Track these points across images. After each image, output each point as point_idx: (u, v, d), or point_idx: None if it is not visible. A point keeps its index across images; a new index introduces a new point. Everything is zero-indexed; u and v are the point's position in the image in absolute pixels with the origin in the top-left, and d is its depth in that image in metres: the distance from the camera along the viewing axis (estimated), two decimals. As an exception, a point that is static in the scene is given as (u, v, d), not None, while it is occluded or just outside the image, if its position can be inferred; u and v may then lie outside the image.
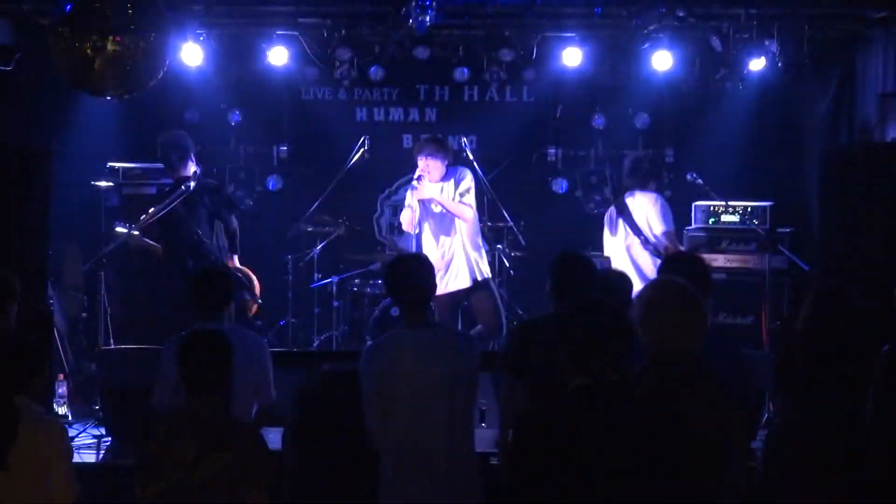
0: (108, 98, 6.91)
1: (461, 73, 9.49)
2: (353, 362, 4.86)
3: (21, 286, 5.79)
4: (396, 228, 8.79)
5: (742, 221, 8.91)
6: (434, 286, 4.81)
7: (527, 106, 10.13)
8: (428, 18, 8.49)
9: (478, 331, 8.28)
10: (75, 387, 8.17)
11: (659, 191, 8.33)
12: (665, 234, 7.97)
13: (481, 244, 8.05)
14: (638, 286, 5.67)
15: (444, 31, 9.19)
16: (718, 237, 9.09)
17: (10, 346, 4.38)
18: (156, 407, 5.02)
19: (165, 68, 6.44)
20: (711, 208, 9.09)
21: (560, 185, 9.96)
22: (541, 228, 9.66)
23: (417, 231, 8.00)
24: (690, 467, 3.42)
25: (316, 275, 9.29)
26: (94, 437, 7.09)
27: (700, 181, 8.49)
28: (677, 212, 8.87)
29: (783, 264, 8.69)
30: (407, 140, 9.94)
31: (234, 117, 9.80)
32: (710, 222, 9.11)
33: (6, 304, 5.48)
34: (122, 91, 6.34)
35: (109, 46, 6.00)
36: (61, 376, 7.88)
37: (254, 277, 8.03)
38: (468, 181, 7.82)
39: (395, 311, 8.75)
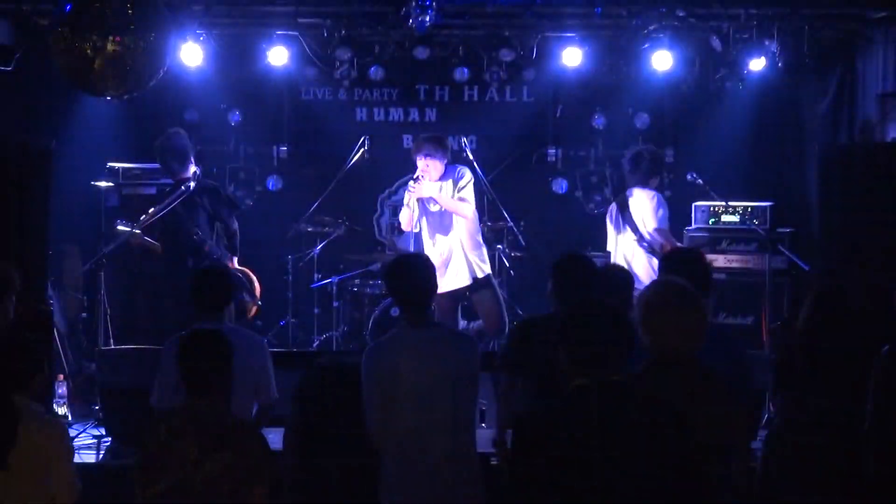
0: (108, 98, 6.90)
1: (461, 73, 9.49)
2: (352, 356, 4.88)
3: (21, 284, 5.79)
4: (396, 229, 8.79)
5: (742, 221, 8.90)
6: (435, 286, 4.81)
7: (527, 106, 10.14)
8: (428, 18, 8.48)
9: (478, 325, 8.28)
10: (75, 387, 8.17)
11: (660, 188, 8.30)
12: (656, 230, 7.92)
13: (481, 242, 8.04)
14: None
15: (444, 31, 9.18)
16: (718, 237, 9.09)
17: (9, 345, 4.39)
18: (156, 407, 5.02)
19: (165, 68, 6.44)
20: (711, 208, 9.09)
21: (560, 185, 9.96)
22: (541, 228, 9.66)
23: (417, 230, 7.99)
24: (691, 468, 3.41)
25: (316, 275, 9.29)
26: (94, 437, 7.09)
27: (700, 181, 8.49)
28: (677, 212, 8.88)
29: (783, 264, 8.69)
30: (407, 140, 9.94)
31: (234, 117, 9.80)
32: (710, 222, 9.11)
33: (4, 297, 5.47)
34: (122, 91, 6.34)
35: (109, 46, 6.00)
36: (61, 376, 7.88)
37: (254, 279, 8.03)
38: (467, 179, 7.81)
39: (395, 311, 8.77)
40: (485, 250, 8.06)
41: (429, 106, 10.25)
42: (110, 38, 5.99)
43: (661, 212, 7.97)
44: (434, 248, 7.81)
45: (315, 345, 9.08)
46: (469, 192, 7.80)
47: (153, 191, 8.85)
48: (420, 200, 7.87)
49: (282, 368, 5.38)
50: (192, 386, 3.98)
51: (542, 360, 4.78)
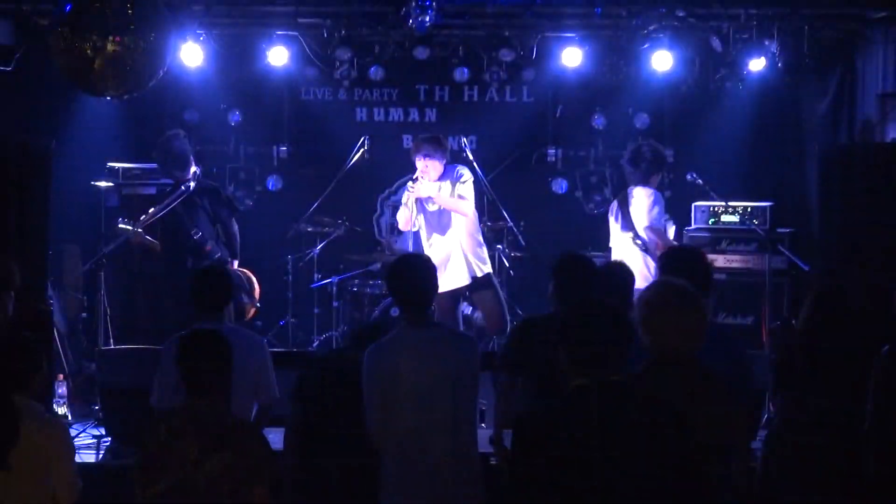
0: (108, 98, 6.90)
1: (461, 73, 9.48)
2: (350, 350, 4.89)
3: (21, 279, 5.78)
4: (396, 229, 8.78)
5: (742, 221, 8.90)
6: (435, 287, 4.82)
7: (527, 106, 10.13)
8: (428, 18, 8.48)
9: (478, 317, 8.26)
10: (75, 387, 8.17)
11: (660, 187, 8.25)
12: (648, 228, 7.87)
13: (481, 241, 8.03)
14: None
15: (444, 31, 9.18)
16: (718, 237, 9.09)
17: (9, 345, 4.39)
18: (156, 407, 5.02)
19: (165, 68, 6.44)
20: (711, 208, 9.08)
21: (560, 185, 9.96)
22: (541, 228, 9.65)
23: (416, 229, 7.98)
24: (691, 468, 3.41)
25: (316, 275, 9.29)
26: (94, 437, 7.09)
27: (700, 181, 8.48)
28: (677, 212, 8.88)
29: (783, 264, 8.68)
30: (407, 140, 9.93)
31: (234, 117, 9.80)
32: (710, 222, 9.11)
33: (3, 292, 5.46)
34: (122, 91, 6.34)
35: (109, 46, 6.00)
36: (61, 376, 7.88)
37: (255, 281, 8.02)
38: (466, 178, 7.81)
39: (394, 311, 8.76)
40: (485, 250, 8.06)
41: (429, 106, 10.25)
42: (110, 38, 5.99)
43: (655, 210, 7.91)
44: (432, 248, 7.80)
45: (315, 345, 9.07)
46: (469, 191, 7.79)
47: (153, 191, 8.85)
48: (419, 200, 7.87)
49: (282, 368, 5.38)
50: (192, 386, 3.98)
51: (542, 359, 4.79)
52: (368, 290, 9.15)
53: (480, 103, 10.12)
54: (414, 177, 7.83)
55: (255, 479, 3.92)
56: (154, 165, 8.75)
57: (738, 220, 8.97)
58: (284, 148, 9.98)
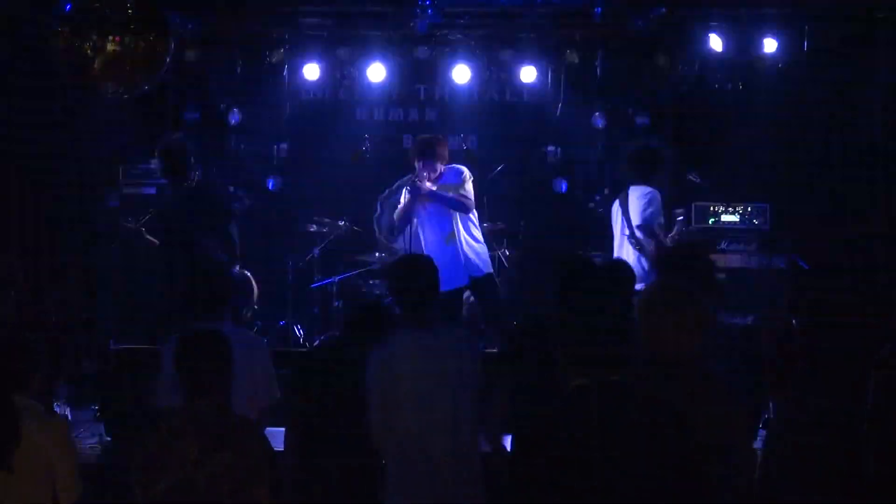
0: (108, 98, 6.91)
1: (461, 73, 9.48)
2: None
3: (23, 280, 5.79)
4: (396, 229, 8.77)
5: (742, 221, 8.90)
6: (436, 288, 4.82)
7: (527, 106, 10.13)
8: (428, 18, 8.50)
9: (473, 309, 8.25)
10: (75, 387, 8.17)
11: (659, 185, 8.19)
12: (639, 227, 7.85)
13: (480, 241, 8.03)
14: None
15: (444, 31, 9.19)
16: (718, 237, 9.09)
17: (7, 344, 4.39)
18: (156, 407, 5.01)
19: (165, 68, 6.44)
20: (711, 208, 9.09)
21: (560, 185, 9.96)
22: (541, 228, 9.66)
23: (415, 225, 7.95)
24: (691, 468, 3.41)
25: (316, 275, 9.28)
26: (95, 436, 7.10)
27: (700, 181, 8.48)
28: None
29: (783, 264, 8.69)
30: (407, 140, 9.93)
31: (234, 117, 9.80)
32: (710, 222, 9.11)
33: (7, 289, 5.46)
34: (122, 91, 6.34)
35: (109, 46, 6.01)
36: (61, 376, 7.88)
37: (254, 284, 7.99)
38: (467, 176, 7.80)
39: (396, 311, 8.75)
40: (485, 249, 8.05)
41: (429, 106, 10.25)
42: (110, 38, 6.00)
43: (649, 210, 7.83)
44: (430, 249, 7.77)
45: (315, 345, 9.07)
46: (469, 189, 7.78)
47: (153, 191, 8.86)
48: (417, 201, 7.85)
49: (282, 368, 5.37)
50: (192, 386, 3.98)
51: (542, 359, 4.79)
52: (367, 290, 9.14)
53: (480, 103, 10.12)
54: (413, 177, 7.82)
55: (256, 478, 3.92)
56: (154, 165, 8.75)
57: (738, 219, 8.98)
58: (284, 147, 9.97)
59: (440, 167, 7.78)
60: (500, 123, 10.09)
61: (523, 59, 9.37)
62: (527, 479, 3.39)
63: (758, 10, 8.62)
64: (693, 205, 9.18)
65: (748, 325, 8.78)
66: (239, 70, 9.48)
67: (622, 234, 8.06)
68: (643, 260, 7.74)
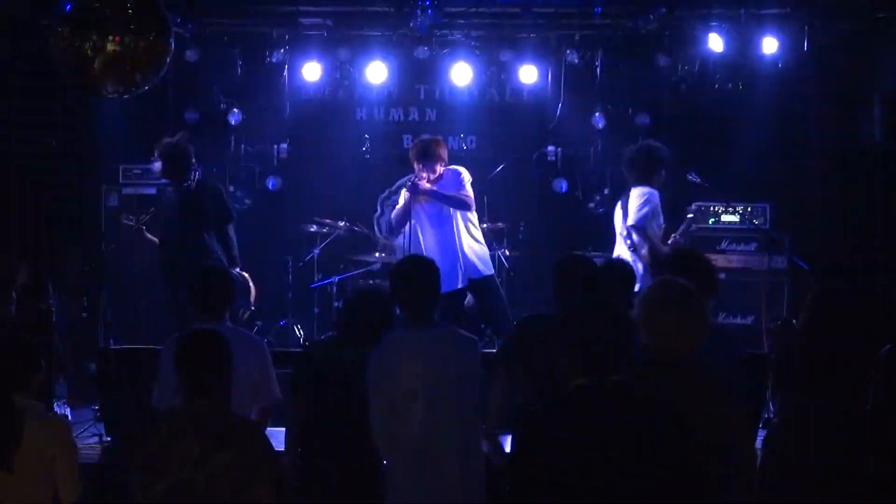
0: (108, 98, 6.91)
1: (461, 73, 9.48)
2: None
3: (25, 280, 5.78)
4: (394, 229, 8.76)
5: (742, 221, 8.90)
6: (438, 288, 4.82)
7: (527, 106, 10.13)
8: (428, 18, 8.50)
9: (473, 310, 8.25)
10: (75, 387, 8.17)
11: (659, 185, 8.17)
12: (631, 227, 7.82)
13: (480, 242, 8.01)
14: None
15: (444, 31, 9.19)
16: (718, 237, 9.09)
17: (7, 344, 4.39)
18: (156, 407, 5.01)
19: (165, 68, 6.44)
20: (711, 208, 9.09)
21: (560, 185, 9.95)
22: (541, 228, 9.67)
23: (414, 226, 7.93)
24: (691, 468, 3.41)
25: (316, 275, 9.29)
26: (95, 436, 7.10)
27: (700, 181, 8.47)
28: (677, 211, 8.86)
29: (783, 264, 8.69)
30: (407, 140, 9.93)
31: (234, 117, 9.80)
32: (710, 222, 9.11)
33: (5, 287, 5.45)
34: (122, 91, 6.34)
35: (109, 46, 6.00)
36: (61, 376, 7.87)
37: (251, 284, 7.98)
38: (465, 176, 7.79)
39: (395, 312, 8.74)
40: (486, 250, 8.03)
41: (429, 106, 10.25)
42: (110, 38, 5.99)
43: (643, 210, 7.79)
44: (429, 251, 7.74)
45: (314, 342, 9.07)
46: (468, 189, 7.77)
47: (153, 191, 8.86)
48: (415, 202, 7.84)
49: (282, 368, 5.37)
50: (192, 386, 3.97)
51: (541, 358, 4.79)
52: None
53: (480, 103, 10.12)
54: (411, 178, 7.81)
55: (257, 479, 3.92)
56: (154, 165, 8.76)
57: (738, 219, 8.98)
58: (284, 147, 9.97)
59: (439, 168, 7.77)
60: (500, 123, 10.09)
61: (523, 59, 9.37)
62: (527, 480, 3.39)
63: (758, 10, 8.62)
64: (693, 205, 9.17)
65: (748, 325, 8.79)
66: (239, 70, 9.48)
67: (621, 234, 8.06)
68: (638, 262, 7.73)
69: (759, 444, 5.38)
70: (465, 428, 4.60)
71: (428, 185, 7.72)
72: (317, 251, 9.29)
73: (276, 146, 9.98)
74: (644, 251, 7.61)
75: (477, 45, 9.37)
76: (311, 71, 9.40)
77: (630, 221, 7.81)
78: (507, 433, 4.87)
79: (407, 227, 7.82)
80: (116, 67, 6.08)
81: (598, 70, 9.41)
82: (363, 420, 4.67)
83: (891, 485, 4.85)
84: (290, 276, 9.35)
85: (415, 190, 7.71)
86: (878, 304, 6.33)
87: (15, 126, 8.52)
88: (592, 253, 7.88)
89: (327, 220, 9.22)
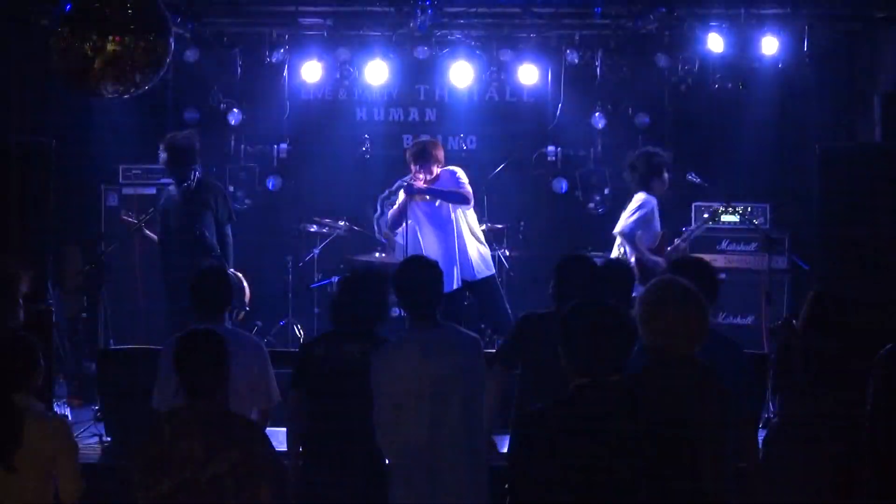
0: (108, 98, 6.90)
1: (461, 73, 9.47)
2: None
3: (27, 281, 5.76)
4: (390, 229, 8.75)
5: (742, 221, 8.91)
6: (441, 289, 4.83)
7: (527, 106, 10.13)
8: (428, 18, 8.50)
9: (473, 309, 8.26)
10: (75, 387, 8.17)
11: (660, 191, 8.18)
12: (619, 233, 7.88)
13: (480, 242, 8.02)
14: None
15: (444, 31, 9.19)
16: (718, 237, 9.09)
17: (7, 343, 4.39)
18: (156, 408, 5.01)
19: (165, 68, 6.44)
20: (711, 208, 9.09)
21: (560, 185, 9.95)
22: (541, 228, 9.67)
23: (410, 222, 7.91)
24: (691, 467, 3.42)
25: (316, 275, 9.29)
26: (95, 436, 7.10)
27: (700, 181, 8.48)
28: (677, 211, 8.87)
29: (783, 264, 8.70)
30: (407, 140, 9.94)
31: (234, 117, 9.80)
32: (711, 222, 9.11)
33: (11, 295, 5.43)
34: (122, 91, 6.33)
35: (109, 46, 6.00)
36: (61, 376, 7.88)
37: (245, 284, 7.97)
38: (461, 174, 7.80)
39: (395, 312, 8.73)
40: (487, 250, 8.03)
41: (429, 106, 10.25)
42: (110, 38, 5.98)
43: (633, 217, 7.81)
44: (427, 251, 7.73)
45: (312, 339, 9.06)
46: (466, 185, 7.77)
47: (153, 191, 8.86)
48: (415, 203, 7.84)
49: (282, 368, 5.37)
50: (191, 386, 3.97)
51: (540, 356, 4.80)
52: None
53: (480, 103, 10.12)
54: (409, 179, 7.81)
55: (259, 479, 3.92)
56: (154, 166, 8.76)
57: (738, 220, 8.98)
58: (284, 147, 9.98)
59: (436, 169, 7.78)
60: (500, 123, 10.09)
61: (523, 59, 9.37)
62: (527, 480, 3.39)
63: (758, 10, 8.61)
64: (693, 205, 9.18)
65: (748, 325, 8.79)
66: (239, 70, 9.48)
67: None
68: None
69: (758, 444, 5.39)
70: (469, 427, 4.60)
71: (423, 185, 7.73)
72: (317, 251, 9.29)
73: (276, 146, 9.98)
74: (632, 259, 7.62)
75: (477, 45, 9.36)
76: (311, 71, 9.40)
77: (617, 229, 7.87)
78: (504, 432, 4.88)
79: (405, 228, 7.83)
80: (116, 67, 6.08)
81: (598, 70, 9.41)
82: (366, 419, 4.67)
83: (891, 485, 4.85)
84: (290, 276, 9.35)
85: (411, 190, 7.73)
86: (878, 304, 6.33)
87: (15, 126, 8.52)
88: (592, 253, 7.86)
89: (327, 220, 9.22)
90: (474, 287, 7.95)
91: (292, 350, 8.70)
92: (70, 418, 7.47)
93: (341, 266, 9.35)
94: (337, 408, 4.85)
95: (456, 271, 7.72)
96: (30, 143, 7.51)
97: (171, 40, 6.37)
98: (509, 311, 8.02)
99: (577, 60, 9.30)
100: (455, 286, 7.73)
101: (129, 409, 6.54)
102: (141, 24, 6.11)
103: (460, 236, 7.83)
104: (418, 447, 4.52)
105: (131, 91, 6.38)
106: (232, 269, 7.91)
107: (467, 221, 7.90)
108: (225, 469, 3.85)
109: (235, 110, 9.76)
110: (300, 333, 9.18)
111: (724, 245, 9.09)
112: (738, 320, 8.87)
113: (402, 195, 7.87)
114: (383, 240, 9.81)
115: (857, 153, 8.13)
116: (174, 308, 7.74)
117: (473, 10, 8.82)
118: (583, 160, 10.08)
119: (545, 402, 3.48)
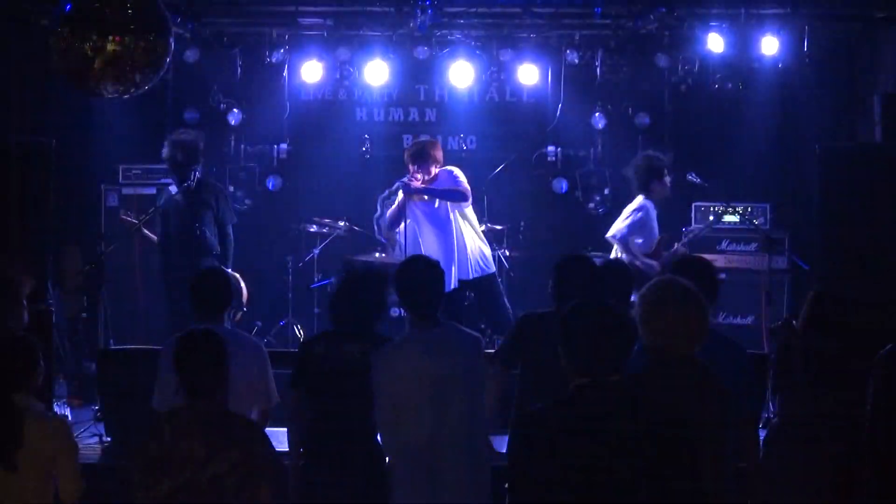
0: (108, 98, 6.91)
1: (461, 73, 9.47)
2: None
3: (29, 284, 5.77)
4: (387, 229, 8.75)
5: (742, 221, 8.91)
6: (443, 288, 4.83)
7: (527, 106, 10.13)
8: (428, 18, 8.50)
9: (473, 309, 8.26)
10: (75, 387, 8.17)
11: (660, 195, 8.16)
12: (610, 237, 7.93)
13: (483, 239, 8.02)
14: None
15: (444, 31, 9.19)
16: (718, 237, 9.09)
17: (7, 343, 4.39)
18: (156, 407, 5.01)
19: (165, 68, 6.44)
20: (711, 208, 9.09)
21: (560, 185, 9.96)
22: (541, 228, 9.67)
23: (409, 222, 7.91)
24: (691, 467, 3.41)
25: (316, 275, 9.29)
26: (95, 436, 7.10)
27: (700, 181, 8.48)
28: (677, 212, 8.87)
29: (783, 264, 8.70)
30: (407, 140, 9.94)
31: (234, 117, 9.80)
32: (710, 228, 9.10)
33: (12, 303, 5.43)
34: (122, 91, 6.33)
35: (109, 46, 6.00)
36: (61, 376, 7.87)
37: (242, 285, 7.97)
38: (459, 173, 7.80)
39: (395, 312, 8.74)
40: (487, 249, 8.03)
41: (429, 106, 10.25)
42: (110, 38, 5.99)
43: (627, 222, 7.87)
44: (426, 251, 7.74)
45: (311, 338, 9.05)
46: (464, 184, 7.76)
47: (153, 191, 8.86)
48: (413, 203, 7.84)
49: (282, 368, 5.37)
50: (191, 386, 3.97)
51: (539, 355, 4.80)
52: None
53: (480, 103, 10.12)
54: (406, 179, 7.81)
55: (260, 478, 3.92)
56: (153, 166, 8.77)
57: (738, 220, 8.98)
58: (284, 147, 9.98)
59: (434, 170, 7.78)
60: (500, 124, 10.09)
61: (523, 59, 9.37)
62: (527, 480, 3.39)
63: (758, 10, 8.61)
64: (693, 205, 9.18)
65: (748, 325, 8.79)
66: (239, 70, 9.49)
67: None
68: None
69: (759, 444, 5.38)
70: (470, 427, 4.60)
71: (420, 184, 7.73)
72: (317, 251, 9.29)
73: (276, 146, 9.98)
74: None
75: (477, 45, 9.36)
76: (311, 71, 9.40)
77: (610, 233, 7.90)
78: (503, 432, 4.88)
79: (404, 228, 7.83)
80: (116, 67, 6.08)
81: (598, 70, 9.42)
82: (366, 418, 4.67)
83: (891, 485, 4.85)
84: (290, 276, 9.35)
85: (408, 190, 7.73)
86: (878, 304, 6.32)
87: (15, 126, 8.52)
88: (592, 253, 7.86)
89: (327, 220, 9.22)
90: (475, 285, 7.95)
91: (292, 350, 8.72)
92: (70, 418, 7.47)
93: (341, 266, 9.35)
94: (337, 407, 4.85)
95: (454, 270, 7.72)
96: (30, 143, 7.51)
97: (171, 40, 6.37)
98: (510, 310, 8.02)
99: (577, 60, 9.30)
100: (453, 286, 7.73)
101: (129, 409, 6.54)
102: (141, 24, 6.11)
103: (459, 236, 7.82)
104: (419, 447, 4.52)
105: (131, 91, 6.38)
106: (229, 270, 7.91)
107: (468, 220, 7.90)
108: (225, 469, 3.85)
109: (235, 110, 9.77)
110: (300, 333, 9.18)
111: (724, 245, 9.09)
112: (738, 320, 8.87)
113: (400, 195, 7.88)
114: (383, 240, 9.82)
115: (857, 153, 8.13)
116: (174, 308, 7.75)
117: (473, 10, 8.82)
118: (583, 160, 10.08)
119: (545, 402, 3.47)
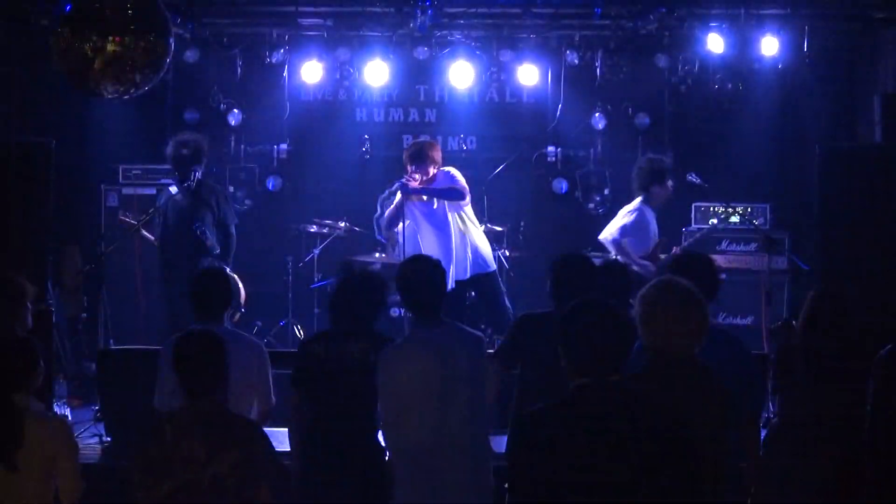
0: (108, 98, 6.91)
1: (461, 73, 9.47)
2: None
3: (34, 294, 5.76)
4: (385, 229, 8.75)
5: (742, 222, 8.91)
6: (444, 288, 4.83)
7: (527, 106, 10.13)
8: (428, 19, 8.50)
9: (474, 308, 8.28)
10: (75, 387, 8.17)
11: (660, 197, 8.17)
12: (602, 239, 7.97)
13: (483, 238, 8.01)
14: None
15: (444, 31, 9.19)
16: (718, 237, 9.10)
17: (6, 343, 4.39)
18: (157, 407, 5.01)
19: (165, 69, 6.45)
20: (711, 208, 9.09)
21: (560, 185, 9.96)
22: (541, 228, 9.67)
23: (408, 222, 7.91)
24: (691, 468, 3.41)
25: (316, 275, 9.29)
26: (95, 436, 7.10)
27: (700, 181, 8.48)
28: (677, 212, 8.87)
29: (783, 264, 8.70)
30: (407, 140, 9.93)
31: (234, 117, 9.80)
32: (710, 222, 9.11)
33: (19, 307, 5.43)
34: (122, 91, 6.33)
35: (109, 46, 6.00)
36: (61, 376, 7.87)
37: (241, 285, 7.97)
38: (456, 173, 7.80)
39: (395, 312, 8.75)
40: (486, 247, 8.02)
41: (429, 106, 10.25)
42: (110, 38, 5.99)
43: (622, 223, 7.94)
44: (426, 251, 7.73)
45: (311, 337, 9.05)
46: (461, 182, 7.76)
47: (153, 191, 8.87)
48: (412, 203, 7.84)
49: (282, 368, 5.37)
50: (190, 386, 3.97)
51: (539, 355, 4.80)
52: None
53: (480, 103, 10.12)
54: (404, 179, 7.82)
55: (260, 478, 3.92)
56: (153, 166, 8.77)
57: (738, 220, 8.98)
58: (284, 147, 9.98)
59: (432, 170, 7.78)
60: (500, 124, 10.09)
61: (523, 60, 9.37)
62: (526, 479, 3.39)
63: (758, 10, 8.61)
64: (693, 205, 9.18)
65: (748, 325, 8.79)
66: (239, 70, 9.49)
67: None
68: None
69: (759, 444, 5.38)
70: (473, 425, 4.60)
71: (417, 185, 7.73)
72: (317, 251, 9.29)
73: (276, 146, 9.98)
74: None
75: (477, 46, 9.36)
76: (311, 71, 9.40)
77: (602, 235, 7.94)
78: (503, 432, 4.89)
79: (403, 228, 7.84)
80: (116, 68, 6.08)
81: (598, 70, 9.42)
82: (366, 418, 4.67)
83: (891, 485, 4.85)
84: (290, 276, 9.35)
85: (406, 190, 7.74)
86: (878, 305, 6.33)
87: (15, 126, 8.52)
88: (592, 253, 7.87)
89: (327, 220, 9.22)
90: (475, 283, 7.95)
91: (292, 350, 8.71)
92: (70, 418, 7.47)
93: (338, 268, 9.35)
94: (337, 407, 4.85)
95: (452, 270, 7.72)
96: (30, 143, 7.51)
97: (171, 41, 6.37)
98: (510, 310, 8.02)
99: (576, 61, 9.30)
100: (450, 286, 7.72)
101: (129, 409, 6.54)
102: (141, 25, 6.11)
103: (458, 236, 7.83)
104: (422, 446, 4.52)
105: (131, 91, 6.38)
106: (228, 270, 7.92)
107: (468, 219, 7.90)
108: (225, 469, 3.85)
109: (235, 111, 9.77)
110: (300, 333, 9.18)
111: (724, 245, 9.09)
112: (738, 320, 8.87)
113: (399, 195, 7.88)
114: (383, 240, 9.82)
115: (857, 153, 8.14)
116: (174, 308, 7.75)
117: (473, 10, 8.82)
118: (583, 161, 10.08)
119: (545, 402, 3.47)
